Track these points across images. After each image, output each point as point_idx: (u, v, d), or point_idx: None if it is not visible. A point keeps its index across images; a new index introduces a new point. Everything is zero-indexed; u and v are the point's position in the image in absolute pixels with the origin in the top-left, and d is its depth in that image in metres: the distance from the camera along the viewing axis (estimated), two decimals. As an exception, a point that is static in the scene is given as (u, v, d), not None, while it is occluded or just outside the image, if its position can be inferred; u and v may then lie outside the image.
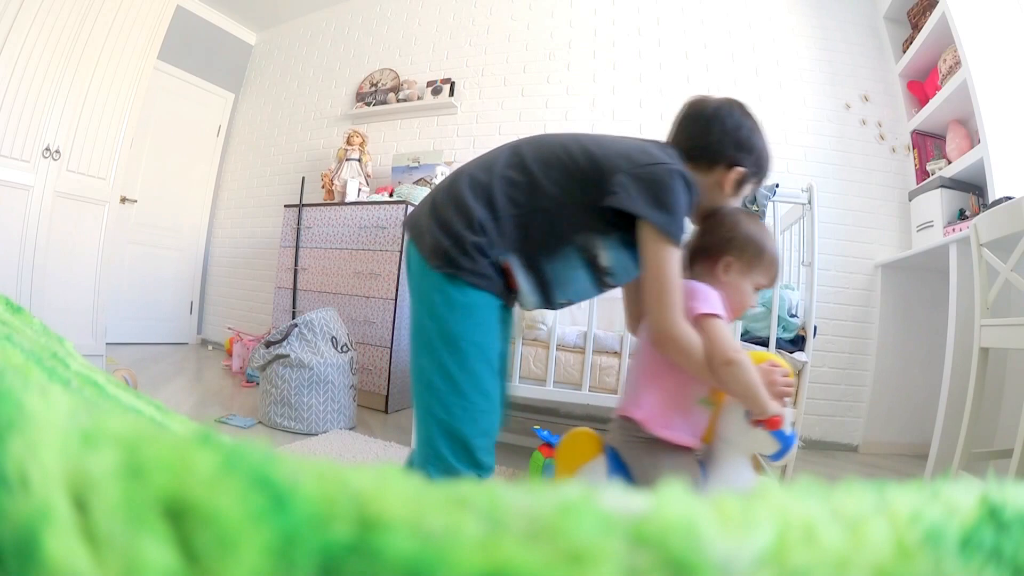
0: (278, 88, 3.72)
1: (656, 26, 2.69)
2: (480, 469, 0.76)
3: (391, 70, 3.21)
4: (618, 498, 0.13)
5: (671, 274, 0.73)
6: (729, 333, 0.79)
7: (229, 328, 3.20)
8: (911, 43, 2.28)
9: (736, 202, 0.88)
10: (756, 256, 0.87)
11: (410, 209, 2.30)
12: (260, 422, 1.81)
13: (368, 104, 3.18)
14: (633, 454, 0.86)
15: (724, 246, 0.86)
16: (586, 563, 0.11)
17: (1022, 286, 1.21)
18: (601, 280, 0.84)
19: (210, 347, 3.64)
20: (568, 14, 2.85)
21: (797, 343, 1.49)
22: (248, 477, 0.12)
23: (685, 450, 0.85)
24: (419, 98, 3.03)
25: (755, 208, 1.48)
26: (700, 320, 0.79)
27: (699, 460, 0.89)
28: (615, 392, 1.52)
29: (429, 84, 3.03)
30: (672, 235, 0.72)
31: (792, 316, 1.55)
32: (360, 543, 0.11)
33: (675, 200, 0.72)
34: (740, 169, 0.81)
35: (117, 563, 0.11)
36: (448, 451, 0.73)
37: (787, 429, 0.83)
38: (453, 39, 3.08)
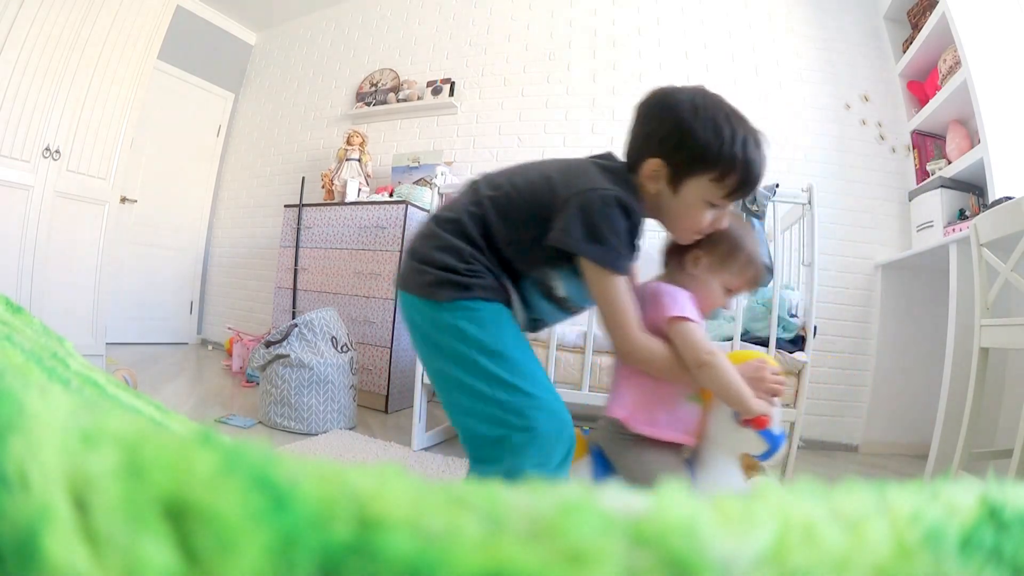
0: (278, 88, 3.72)
1: (656, 26, 2.69)
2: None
3: (391, 70, 3.21)
4: (618, 498, 0.13)
5: (618, 301, 0.73)
6: (701, 335, 0.77)
7: (229, 328, 3.20)
8: (911, 43, 2.28)
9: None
10: (729, 254, 0.84)
11: (410, 209, 2.30)
12: (260, 422, 1.81)
13: (368, 104, 3.18)
14: (617, 452, 0.85)
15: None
16: (586, 563, 0.11)
17: (1022, 286, 1.21)
18: (563, 307, 0.84)
19: (210, 347, 3.64)
20: (568, 14, 2.85)
21: (797, 343, 1.49)
22: (248, 477, 0.12)
23: (672, 447, 0.84)
24: (419, 98, 3.03)
25: (755, 208, 1.48)
26: (670, 324, 0.78)
27: (687, 459, 0.87)
28: (615, 392, 1.52)
29: (429, 84, 3.03)
30: (609, 265, 0.72)
31: (792, 316, 1.55)
32: (360, 543, 0.11)
33: (610, 229, 0.71)
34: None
35: (117, 563, 0.11)
36: (537, 456, 0.72)
37: (776, 428, 0.82)
38: (453, 39, 3.08)
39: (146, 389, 2.11)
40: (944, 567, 0.14)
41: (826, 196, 2.28)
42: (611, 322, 0.75)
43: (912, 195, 2.21)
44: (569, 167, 0.78)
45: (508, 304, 0.78)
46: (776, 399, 0.82)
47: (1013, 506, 0.16)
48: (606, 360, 1.54)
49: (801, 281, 1.66)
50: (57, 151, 2.17)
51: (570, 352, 1.58)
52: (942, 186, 2.01)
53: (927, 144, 2.28)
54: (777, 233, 1.54)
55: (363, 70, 3.33)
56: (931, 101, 2.16)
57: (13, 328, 0.32)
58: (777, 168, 2.40)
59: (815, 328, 1.53)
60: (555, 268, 0.77)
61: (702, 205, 0.75)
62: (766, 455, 0.83)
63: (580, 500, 0.13)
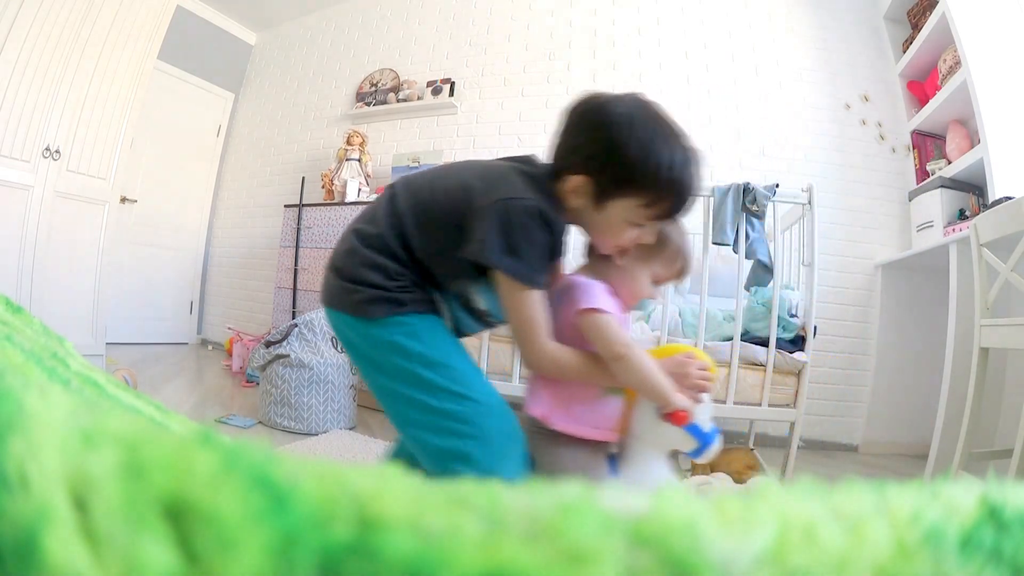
0: (278, 88, 3.72)
1: (656, 26, 2.69)
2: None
3: (391, 70, 3.21)
4: (618, 498, 0.13)
5: (529, 315, 0.71)
6: (614, 327, 0.75)
7: (229, 328, 3.20)
8: (911, 43, 2.28)
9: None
10: (657, 245, 0.82)
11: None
12: (260, 422, 1.81)
13: (368, 104, 3.18)
14: (536, 449, 0.83)
15: None
16: (586, 563, 0.11)
17: (1022, 286, 1.21)
18: (483, 320, 0.83)
19: (210, 347, 3.64)
20: (568, 14, 2.85)
21: (797, 343, 1.49)
22: (248, 477, 0.12)
23: (595, 443, 0.81)
24: (419, 98, 3.03)
25: (755, 208, 1.48)
26: (581, 317, 0.76)
27: (614, 455, 0.85)
28: (615, 392, 1.52)
29: (429, 84, 3.03)
30: (526, 280, 0.69)
31: (792, 316, 1.55)
32: (360, 543, 0.11)
33: (528, 242, 0.68)
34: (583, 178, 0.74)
35: (117, 563, 0.11)
36: (494, 459, 0.72)
37: (704, 425, 0.79)
38: (453, 39, 3.08)
39: (146, 389, 2.11)
40: (944, 567, 0.14)
41: (826, 196, 2.27)
42: (520, 335, 0.73)
43: (912, 195, 2.21)
44: (489, 172, 0.74)
45: (440, 314, 0.77)
46: (704, 395, 0.80)
47: (1013, 506, 0.16)
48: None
49: (801, 281, 1.66)
50: (57, 151, 2.17)
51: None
52: (942, 186, 2.01)
53: (927, 144, 2.28)
54: (777, 233, 1.54)
55: (363, 70, 3.33)
56: (931, 101, 2.16)
57: (13, 328, 0.32)
58: (777, 168, 2.40)
59: (815, 328, 1.53)
60: (474, 281, 0.75)
61: (626, 225, 0.72)
62: (696, 453, 0.80)
63: (580, 500, 0.13)
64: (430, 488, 0.13)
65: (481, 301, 0.78)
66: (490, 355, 1.59)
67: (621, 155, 0.68)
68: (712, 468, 1.39)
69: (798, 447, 1.48)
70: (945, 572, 0.14)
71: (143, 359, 2.84)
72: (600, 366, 0.75)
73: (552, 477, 0.81)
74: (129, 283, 3.33)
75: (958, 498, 0.16)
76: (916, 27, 2.28)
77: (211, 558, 0.11)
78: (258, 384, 1.93)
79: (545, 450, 0.82)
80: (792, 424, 1.45)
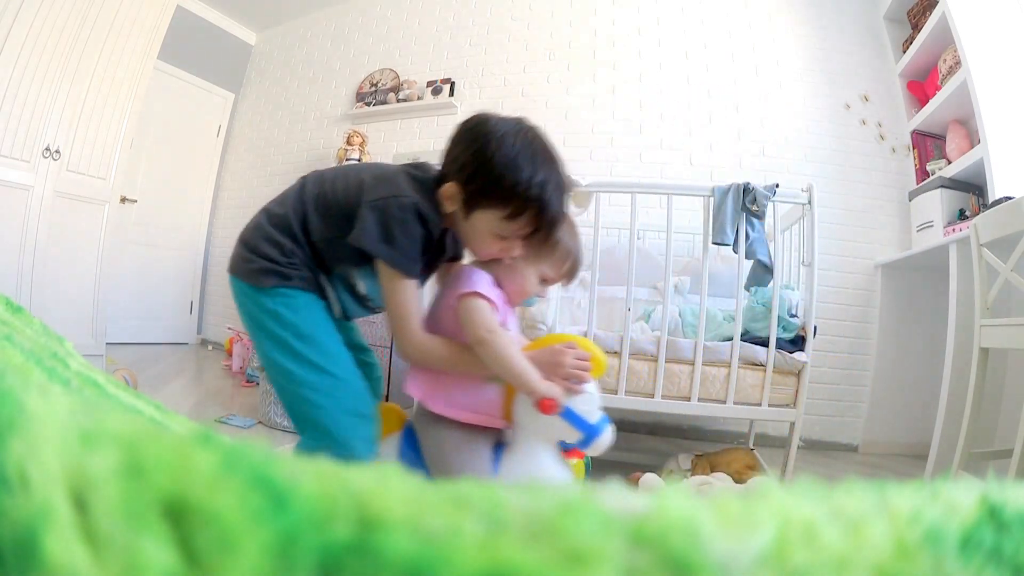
0: (278, 88, 3.72)
1: (656, 26, 2.69)
2: (369, 443, 0.83)
3: (391, 70, 3.21)
4: (618, 498, 0.13)
5: (404, 303, 0.78)
6: (484, 312, 0.79)
7: (229, 328, 3.20)
8: (911, 43, 2.28)
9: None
10: (547, 246, 0.84)
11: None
12: (260, 422, 1.81)
13: (368, 104, 3.18)
14: (421, 430, 0.86)
15: None
16: (586, 563, 0.11)
17: (1022, 286, 1.22)
18: (364, 304, 0.90)
19: (210, 347, 3.64)
20: (568, 14, 2.85)
21: (797, 343, 1.49)
22: (248, 477, 0.12)
23: (481, 428, 0.83)
24: (419, 98, 3.03)
25: (755, 208, 1.48)
26: (459, 301, 0.80)
27: (501, 443, 0.86)
28: (615, 392, 1.52)
29: (429, 84, 3.03)
30: (400, 268, 0.76)
31: (792, 316, 1.55)
32: (360, 543, 0.11)
33: (404, 233, 0.75)
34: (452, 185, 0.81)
35: (117, 563, 0.11)
36: (347, 431, 0.79)
37: (589, 416, 0.80)
38: (453, 39, 3.08)
39: (146, 389, 2.11)
40: (944, 567, 0.14)
41: (826, 196, 2.28)
42: (394, 322, 0.80)
43: (912, 195, 2.21)
44: (383, 173, 0.82)
45: (323, 296, 0.86)
46: (588, 386, 0.81)
47: (1013, 506, 0.16)
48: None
49: (801, 281, 1.66)
50: (57, 151, 2.17)
51: (570, 352, 1.57)
52: (942, 186, 2.01)
53: (927, 144, 2.27)
54: (777, 233, 1.54)
55: (363, 70, 3.33)
56: (931, 101, 2.16)
57: (13, 328, 0.32)
58: (777, 168, 2.40)
59: (815, 328, 1.53)
60: (358, 267, 0.83)
61: (490, 236, 0.78)
62: (583, 444, 0.81)
63: (580, 500, 0.13)
64: (430, 488, 0.13)
65: (362, 286, 0.87)
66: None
67: (487, 168, 0.74)
68: (712, 468, 1.39)
69: (798, 447, 1.48)
70: (945, 572, 0.14)
71: (143, 359, 2.84)
72: (466, 357, 0.79)
73: (434, 461, 0.82)
74: (129, 283, 3.33)
75: (958, 498, 0.16)
76: (916, 27, 2.28)
77: (211, 558, 0.11)
78: (258, 384, 1.93)
79: (428, 431, 0.85)
80: (792, 424, 1.45)
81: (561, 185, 0.77)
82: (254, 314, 0.83)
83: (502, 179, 0.73)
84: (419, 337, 0.79)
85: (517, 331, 0.93)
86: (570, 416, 0.79)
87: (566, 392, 0.79)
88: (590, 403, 0.81)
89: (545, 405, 0.77)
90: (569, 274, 0.90)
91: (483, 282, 0.81)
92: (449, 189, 0.77)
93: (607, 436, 0.81)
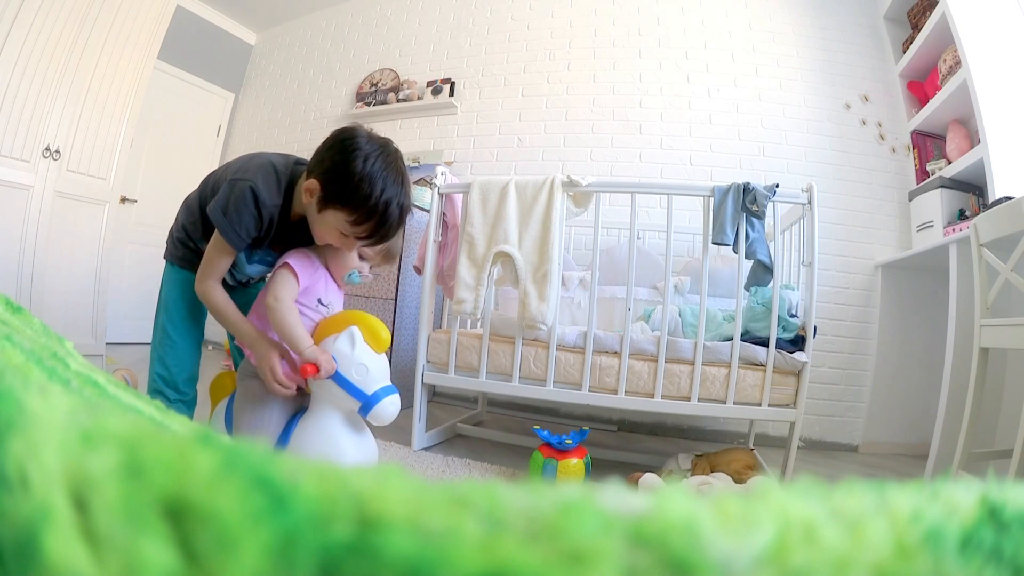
0: (278, 88, 3.72)
1: (656, 26, 2.69)
2: (180, 393, 1.07)
3: (391, 70, 3.21)
4: (619, 498, 0.13)
5: (214, 258, 0.95)
6: (285, 282, 0.94)
7: (229, 328, 3.20)
8: (911, 43, 2.28)
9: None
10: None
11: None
12: (260, 422, 1.80)
13: (368, 104, 3.18)
14: (238, 380, 1.02)
15: None
16: (586, 563, 0.11)
17: (1022, 286, 1.22)
18: (234, 276, 1.07)
19: (210, 347, 3.64)
20: (568, 14, 2.85)
21: (797, 343, 1.49)
22: (248, 477, 0.12)
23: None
24: (419, 98, 3.02)
25: (755, 208, 1.48)
26: (278, 268, 0.96)
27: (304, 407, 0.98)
28: (615, 392, 1.52)
29: (429, 84, 3.03)
30: (223, 234, 0.91)
31: (792, 316, 1.55)
32: (360, 543, 0.11)
33: (235, 209, 0.90)
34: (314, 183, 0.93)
35: (117, 563, 0.11)
36: (159, 377, 1.06)
37: (364, 385, 0.89)
38: (453, 39, 3.08)
39: (146, 389, 2.11)
40: (944, 567, 0.14)
41: (826, 196, 2.28)
42: (202, 265, 0.96)
43: (912, 195, 2.21)
44: (252, 161, 0.96)
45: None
46: (368, 359, 0.93)
47: (1013, 506, 0.16)
48: (605, 360, 1.54)
49: (801, 281, 1.66)
50: (57, 151, 2.17)
51: (570, 352, 1.58)
52: (942, 186, 2.01)
53: (927, 144, 2.28)
54: (777, 233, 1.54)
55: (363, 70, 3.33)
56: (931, 101, 2.16)
57: (13, 328, 0.32)
58: (777, 168, 2.40)
59: (815, 328, 1.53)
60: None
61: (334, 230, 0.92)
62: (363, 411, 0.90)
63: (580, 500, 0.13)
64: (430, 488, 0.13)
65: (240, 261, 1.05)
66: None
67: (346, 176, 0.87)
68: (712, 468, 1.39)
69: (798, 447, 1.48)
70: (945, 572, 0.14)
71: (143, 359, 2.83)
72: (230, 321, 0.95)
73: (235, 408, 0.99)
74: (129, 283, 3.32)
75: (958, 498, 0.16)
76: (916, 27, 2.28)
77: (211, 558, 0.11)
78: (258, 384, 1.92)
79: (240, 382, 1.00)
80: (792, 424, 1.45)
81: (403, 206, 0.91)
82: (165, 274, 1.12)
83: (357, 189, 0.86)
84: (206, 284, 0.96)
85: (340, 306, 1.07)
86: (342, 381, 0.89)
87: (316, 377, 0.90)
88: (365, 373, 0.90)
89: (305, 369, 0.87)
90: (386, 256, 1.09)
91: (303, 260, 0.97)
92: (311, 184, 0.90)
93: (389, 407, 0.91)
